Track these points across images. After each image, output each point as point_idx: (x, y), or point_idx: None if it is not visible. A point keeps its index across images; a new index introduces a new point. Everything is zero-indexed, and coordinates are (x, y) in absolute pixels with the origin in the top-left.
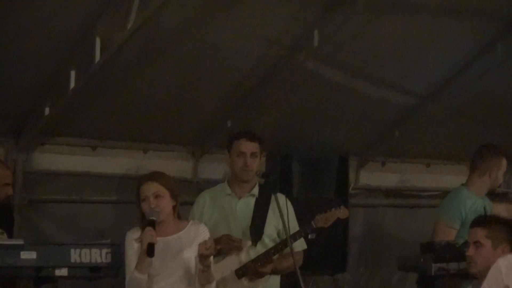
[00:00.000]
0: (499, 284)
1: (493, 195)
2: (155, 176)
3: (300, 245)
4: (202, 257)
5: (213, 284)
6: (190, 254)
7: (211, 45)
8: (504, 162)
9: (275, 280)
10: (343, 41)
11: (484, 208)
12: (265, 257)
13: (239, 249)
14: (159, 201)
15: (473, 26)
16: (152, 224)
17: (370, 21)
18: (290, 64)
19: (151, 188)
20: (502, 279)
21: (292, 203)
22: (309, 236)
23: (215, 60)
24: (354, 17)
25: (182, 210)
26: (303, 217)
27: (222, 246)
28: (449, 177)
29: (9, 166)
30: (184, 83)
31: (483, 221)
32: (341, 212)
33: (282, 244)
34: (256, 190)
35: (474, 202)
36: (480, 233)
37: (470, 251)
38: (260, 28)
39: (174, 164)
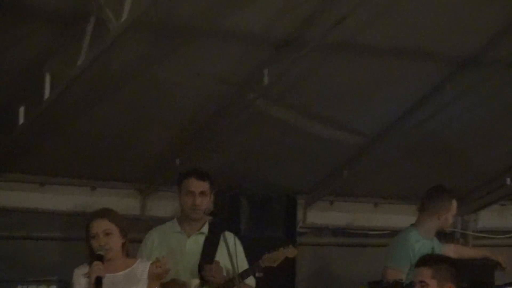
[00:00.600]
0: None
1: (440, 234)
2: (105, 213)
3: (250, 281)
4: (151, 277)
5: None
6: None
7: (161, 83)
8: (454, 204)
9: None
10: (293, 80)
11: (432, 250)
12: None
13: None
14: (109, 238)
15: (421, 67)
16: (100, 258)
17: (320, 61)
18: (240, 103)
19: (101, 225)
20: None
21: (240, 241)
22: (256, 275)
23: (165, 97)
24: (304, 57)
25: (130, 248)
26: (251, 255)
27: None
28: (396, 216)
29: None
30: (133, 120)
31: (429, 261)
32: (289, 251)
33: (231, 283)
34: (205, 229)
35: (422, 245)
36: (425, 273)
37: None
38: (210, 66)
39: (122, 202)
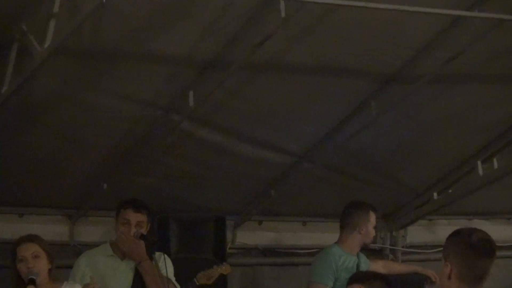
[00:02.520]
0: None
1: (369, 251)
2: (32, 238)
3: None
4: None
5: None
6: None
7: (87, 107)
8: (372, 216)
9: None
10: (219, 101)
11: (357, 265)
12: None
13: None
14: (37, 261)
15: (347, 84)
16: (33, 282)
17: (246, 81)
18: (166, 125)
19: (29, 249)
20: None
21: (172, 263)
22: None
23: (91, 121)
24: (229, 78)
25: (59, 274)
26: (182, 276)
27: None
28: (325, 234)
29: None
30: (61, 145)
31: (361, 277)
32: (223, 268)
33: None
34: None
35: (345, 259)
36: None
37: None
38: (137, 89)
39: (51, 228)
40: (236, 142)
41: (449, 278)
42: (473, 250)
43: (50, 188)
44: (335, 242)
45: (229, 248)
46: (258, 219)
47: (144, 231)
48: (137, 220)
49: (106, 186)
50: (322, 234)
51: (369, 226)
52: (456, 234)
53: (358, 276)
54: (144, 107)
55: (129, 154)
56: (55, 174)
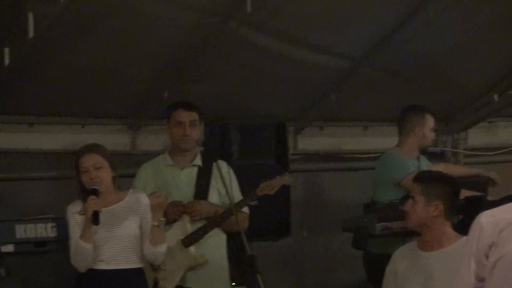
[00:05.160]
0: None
1: (431, 154)
2: (94, 148)
3: (245, 210)
4: (154, 209)
5: (165, 245)
6: (133, 222)
7: (144, 16)
8: (428, 119)
9: (222, 245)
10: (276, 6)
11: (418, 169)
12: (211, 226)
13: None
14: (100, 172)
15: None
16: (95, 193)
17: None
18: (223, 33)
19: (91, 160)
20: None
21: (233, 170)
22: (251, 203)
23: (149, 31)
24: None
25: (122, 183)
26: (244, 183)
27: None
28: (386, 138)
29: None
30: (119, 55)
31: (419, 177)
32: (286, 179)
33: (228, 212)
34: (198, 160)
35: (406, 163)
36: (415, 189)
37: (406, 206)
38: None
39: (112, 138)
40: (294, 47)
41: None
42: None
43: (110, 98)
44: (395, 146)
45: (291, 154)
46: (318, 125)
47: (197, 131)
48: (189, 119)
49: (167, 95)
50: (383, 138)
51: (425, 129)
52: None
53: (417, 176)
54: (201, 15)
55: (188, 62)
56: (116, 83)
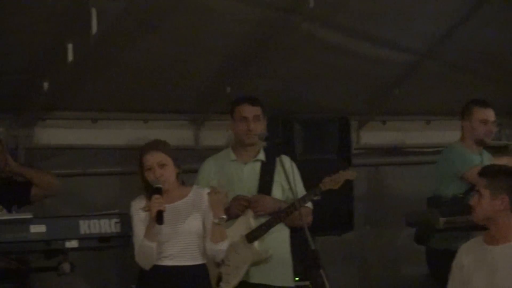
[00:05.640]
0: None
1: (494, 148)
2: (158, 145)
3: (308, 204)
4: (214, 206)
5: (226, 243)
6: (197, 219)
7: (208, 11)
8: (474, 111)
9: (285, 240)
10: (339, 1)
11: (481, 163)
12: (274, 221)
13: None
14: (164, 170)
15: None
16: (159, 192)
17: None
18: (286, 27)
19: (156, 157)
20: None
21: (296, 165)
22: (315, 198)
23: (212, 26)
24: None
25: (185, 178)
26: (307, 178)
27: (232, 210)
28: (449, 132)
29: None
30: (182, 51)
31: (484, 171)
32: (349, 173)
33: (292, 207)
34: (261, 155)
35: (469, 156)
36: (480, 183)
37: (473, 201)
38: None
39: (176, 133)
40: (357, 42)
41: None
42: None
43: (174, 93)
44: (458, 140)
45: (354, 149)
46: (381, 119)
47: (261, 126)
48: (253, 114)
49: (230, 90)
50: (446, 132)
51: (473, 121)
52: None
53: (482, 170)
54: (265, 9)
55: (251, 57)
56: (178, 79)
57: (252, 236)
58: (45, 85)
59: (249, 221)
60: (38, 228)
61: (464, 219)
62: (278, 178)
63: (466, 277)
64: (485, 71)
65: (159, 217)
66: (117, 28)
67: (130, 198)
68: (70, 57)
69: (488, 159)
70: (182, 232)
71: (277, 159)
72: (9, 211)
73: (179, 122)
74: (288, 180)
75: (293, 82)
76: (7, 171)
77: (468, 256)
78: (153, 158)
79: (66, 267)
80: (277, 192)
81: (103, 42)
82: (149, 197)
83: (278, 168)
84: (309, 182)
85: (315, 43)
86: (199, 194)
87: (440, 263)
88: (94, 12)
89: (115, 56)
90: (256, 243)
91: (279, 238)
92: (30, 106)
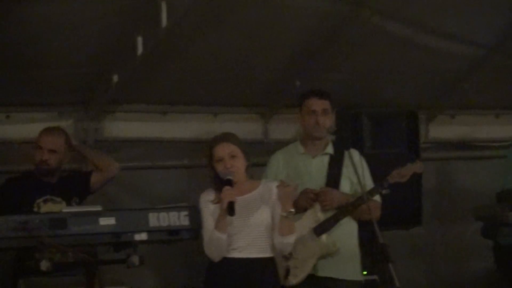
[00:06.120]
0: None
1: None
2: (228, 137)
3: (376, 198)
4: (282, 199)
5: (294, 236)
6: (266, 212)
7: (276, 5)
8: None
9: (353, 234)
10: None
11: None
12: (342, 215)
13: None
14: (235, 161)
15: None
16: (230, 183)
17: None
18: (355, 21)
19: (226, 149)
20: None
21: (364, 158)
22: (383, 192)
23: (281, 19)
24: None
25: (254, 172)
26: (375, 172)
27: (300, 203)
28: None
29: (62, 134)
30: (251, 44)
31: None
32: (417, 167)
33: (360, 201)
34: (330, 149)
35: None
36: None
37: None
38: None
39: (244, 126)
40: (426, 35)
41: None
42: None
43: (242, 86)
44: None
45: (422, 143)
46: (450, 113)
47: (329, 119)
48: (322, 108)
49: (298, 83)
50: None
51: None
52: None
53: None
54: (334, 3)
55: (320, 50)
56: (247, 72)
57: (320, 229)
58: (115, 78)
59: (317, 215)
60: (107, 221)
61: None
62: (347, 171)
63: None
64: None
65: (230, 208)
66: (186, 21)
67: (198, 191)
68: (139, 50)
69: None
70: (251, 225)
71: (346, 153)
72: (69, 204)
73: (247, 115)
74: (357, 174)
75: (362, 76)
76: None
77: None
78: (224, 149)
79: (135, 259)
80: (345, 185)
81: (172, 35)
82: (218, 190)
83: (347, 162)
84: (377, 176)
85: (384, 36)
86: (268, 187)
87: (508, 258)
88: (164, 5)
89: (185, 49)
90: (324, 237)
91: (347, 232)
92: (99, 99)
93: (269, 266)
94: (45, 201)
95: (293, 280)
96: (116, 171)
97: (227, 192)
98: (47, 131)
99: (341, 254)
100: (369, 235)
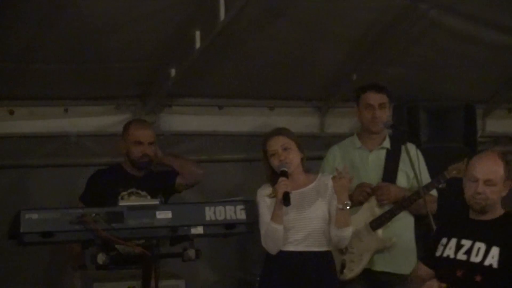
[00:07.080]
0: None
1: None
2: (280, 131)
3: (433, 192)
4: (338, 191)
5: (350, 229)
6: (322, 205)
7: None
8: None
9: (410, 228)
10: None
11: None
12: (399, 209)
13: (370, 195)
14: (288, 153)
15: None
16: (285, 174)
17: None
18: (413, 14)
19: (279, 142)
20: None
21: (421, 152)
22: (440, 186)
23: (337, 13)
24: None
25: (310, 165)
26: (431, 166)
27: (356, 197)
28: None
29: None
30: (309, 38)
31: None
32: None
33: (416, 195)
34: (387, 143)
35: None
36: None
37: None
38: None
39: (301, 120)
40: (484, 29)
41: None
42: None
43: (299, 80)
44: None
45: (479, 137)
46: (507, 107)
47: (386, 113)
48: (379, 102)
49: (355, 77)
50: None
51: None
52: None
53: None
54: None
55: (377, 44)
56: (304, 66)
57: (376, 223)
58: (172, 71)
59: (373, 209)
60: (164, 214)
61: None
62: (403, 166)
63: None
64: None
65: (285, 198)
66: (244, 15)
67: (254, 185)
68: (197, 43)
69: None
70: (307, 218)
71: (403, 147)
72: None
73: (304, 109)
74: (413, 168)
75: (419, 70)
76: (155, 162)
77: None
78: (277, 143)
79: (191, 253)
80: (402, 180)
81: (230, 29)
82: (274, 184)
83: (403, 156)
84: (434, 170)
85: (441, 30)
86: (324, 181)
87: None
88: None
89: (242, 43)
90: (380, 231)
91: (403, 226)
92: (157, 92)
93: (326, 260)
94: (129, 194)
95: (348, 274)
96: (200, 177)
97: (282, 183)
98: (141, 125)
99: (397, 248)
100: (425, 229)
